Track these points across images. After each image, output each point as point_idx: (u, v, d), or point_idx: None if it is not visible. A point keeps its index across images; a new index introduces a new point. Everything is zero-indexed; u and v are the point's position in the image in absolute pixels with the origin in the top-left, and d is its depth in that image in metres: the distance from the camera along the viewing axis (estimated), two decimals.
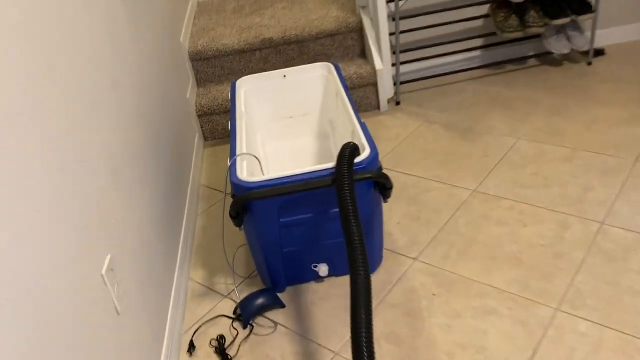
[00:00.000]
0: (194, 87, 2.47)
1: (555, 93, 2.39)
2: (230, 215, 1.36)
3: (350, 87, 2.42)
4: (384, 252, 1.65)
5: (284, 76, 1.99)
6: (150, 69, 1.78)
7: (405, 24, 2.55)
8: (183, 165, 1.99)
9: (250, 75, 1.99)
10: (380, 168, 1.43)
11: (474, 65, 2.69)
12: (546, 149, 2.02)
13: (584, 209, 1.70)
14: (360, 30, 2.50)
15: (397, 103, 2.51)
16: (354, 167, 1.35)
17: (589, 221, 1.65)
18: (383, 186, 1.37)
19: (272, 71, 2.00)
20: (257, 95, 2.00)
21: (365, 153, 1.40)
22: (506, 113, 2.30)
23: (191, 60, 2.47)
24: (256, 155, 1.63)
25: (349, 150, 1.33)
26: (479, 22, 2.63)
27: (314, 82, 2.01)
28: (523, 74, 2.60)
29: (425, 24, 2.56)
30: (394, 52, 2.45)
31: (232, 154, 1.51)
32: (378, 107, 2.49)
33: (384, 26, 2.35)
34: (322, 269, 1.53)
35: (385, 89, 2.44)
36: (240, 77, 2.54)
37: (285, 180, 1.36)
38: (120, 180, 1.27)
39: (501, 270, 1.53)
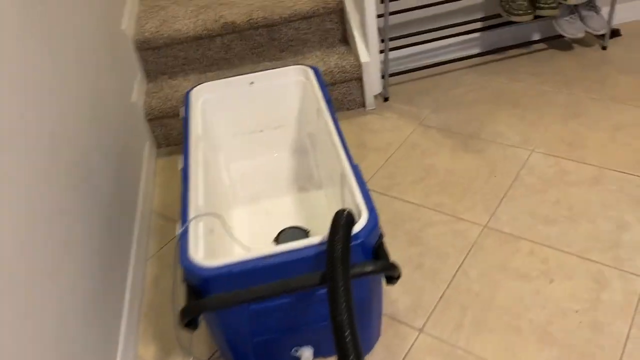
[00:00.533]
0: (143, 84, 2.05)
1: (570, 87, 2.05)
2: (182, 323, 1.01)
3: (331, 83, 2.03)
4: (383, 318, 1.33)
5: (251, 83, 1.60)
6: (77, 75, 1.36)
7: (394, 5, 2.14)
8: (129, 189, 1.61)
9: (209, 82, 1.59)
10: (381, 237, 1.09)
11: (473, 52, 2.32)
12: (567, 167, 1.69)
13: (621, 257, 1.40)
14: (341, 12, 2.09)
15: (386, 99, 2.14)
16: (350, 234, 1.00)
17: (629, 275, 1.35)
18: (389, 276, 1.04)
19: (237, 77, 1.60)
20: (218, 107, 1.61)
21: (362, 220, 1.05)
22: (514, 113, 1.96)
23: (138, 50, 2.03)
24: (218, 214, 1.26)
25: (344, 227, 0.98)
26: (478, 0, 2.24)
27: (289, 89, 1.63)
28: (529, 61, 2.24)
29: (418, 4, 2.16)
30: (382, 40, 2.05)
31: (184, 215, 1.14)
32: (364, 105, 2.11)
33: (371, 7, 1.95)
34: (305, 355, 1.21)
35: (372, 83, 2.06)
36: (198, 68, 2.13)
37: (258, 264, 1.01)
38: (26, 256, 0.90)
39: (529, 351, 1.23)
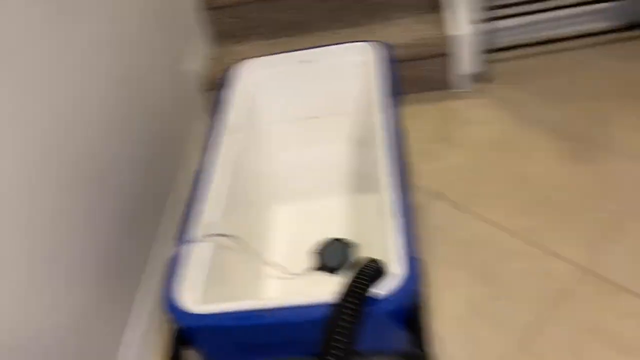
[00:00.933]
0: (201, 49, 1.84)
1: None
2: None
3: (416, 58, 1.70)
4: None
5: (307, 61, 1.33)
6: (107, 36, 1.18)
7: None
8: (162, 174, 1.44)
9: (258, 58, 1.35)
10: (415, 298, 0.80)
11: (603, 26, 1.84)
12: None
13: None
14: None
15: (483, 81, 1.76)
16: (367, 302, 0.74)
17: None
18: None
19: (291, 53, 1.35)
20: (267, 87, 1.37)
21: (395, 278, 0.78)
22: None
23: (200, 9, 1.82)
24: (232, 235, 1.03)
25: (359, 294, 0.71)
26: None
27: (350, 70, 1.34)
28: None
29: None
30: (485, 8, 1.67)
31: (182, 234, 0.93)
32: (454, 87, 1.76)
33: None
34: None
35: (467, 61, 1.70)
36: (267, 33, 1.88)
37: (252, 321, 0.78)
38: None
39: None
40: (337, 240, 1.26)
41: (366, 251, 1.23)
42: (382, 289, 0.76)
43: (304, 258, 1.25)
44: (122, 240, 1.18)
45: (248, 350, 0.83)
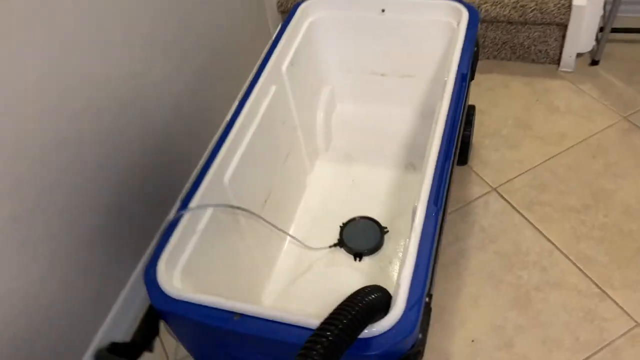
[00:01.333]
0: None
1: None
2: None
3: (520, 22, 1.45)
4: None
5: (382, 11, 1.15)
6: None
7: None
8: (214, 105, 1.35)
9: None
10: (411, 345, 0.69)
11: None
12: None
13: None
14: None
15: (594, 62, 1.50)
16: (352, 339, 0.64)
17: None
18: None
19: None
20: (332, 32, 1.21)
21: (393, 315, 0.66)
22: None
23: None
24: (252, 211, 0.92)
25: (343, 326, 0.61)
26: None
27: (433, 31, 1.15)
28: None
29: None
30: None
31: (188, 196, 0.84)
32: (557, 62, 1.51)
33: None
34: None
35: (581, 37, 1.44)
36: None
37: (225, 325, 0.70)
38: None
39: None
40: (369, 220, 1.15)
41: (392, 242, 1.11)
42: (374, 327, 0.66)
43: (330, 230, 1.15)
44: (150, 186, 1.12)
45: (215, 346, 0.76)
